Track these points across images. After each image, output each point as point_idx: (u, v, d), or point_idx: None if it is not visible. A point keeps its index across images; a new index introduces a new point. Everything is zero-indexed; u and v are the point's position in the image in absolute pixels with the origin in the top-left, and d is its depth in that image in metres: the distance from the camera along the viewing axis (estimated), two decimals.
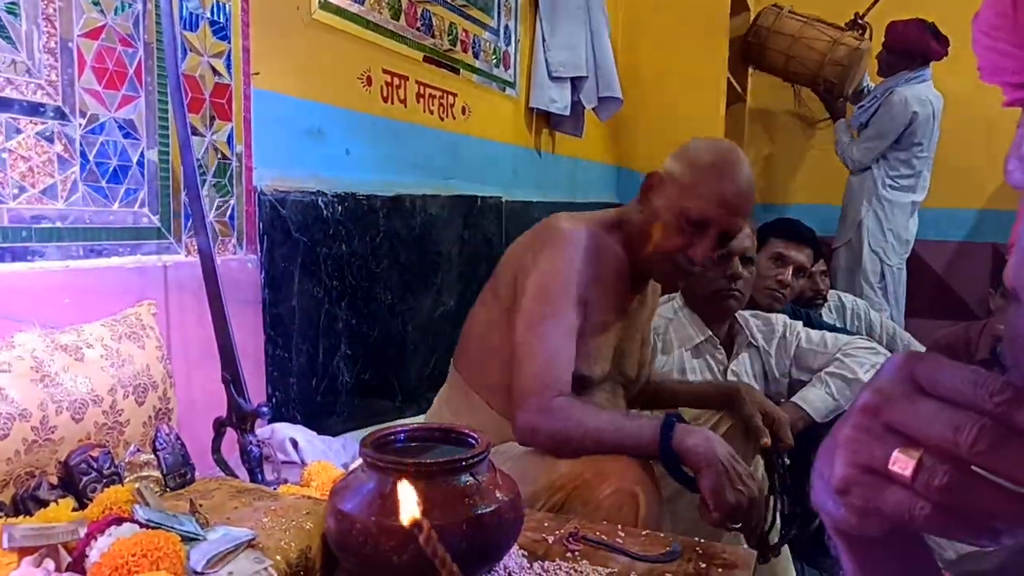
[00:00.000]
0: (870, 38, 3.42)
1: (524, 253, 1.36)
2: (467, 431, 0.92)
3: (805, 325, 1.99)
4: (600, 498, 1.13)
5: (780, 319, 1.94)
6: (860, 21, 3.48)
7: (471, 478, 0.84)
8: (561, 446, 1.21)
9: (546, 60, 2.74)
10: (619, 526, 1.07)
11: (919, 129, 3.23)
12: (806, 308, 2.46)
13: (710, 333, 1.82)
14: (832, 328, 2.22)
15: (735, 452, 1.18)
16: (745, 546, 1.20)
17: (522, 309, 1.29)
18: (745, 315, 1.92)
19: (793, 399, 1.80)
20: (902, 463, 0.33)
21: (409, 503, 0.35)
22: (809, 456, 1.45)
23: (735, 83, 3.56)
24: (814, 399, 1.77)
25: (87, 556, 0.77)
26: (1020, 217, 0.38)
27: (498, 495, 0.85)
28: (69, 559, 0.78)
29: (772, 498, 1.44)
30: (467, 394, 1.40)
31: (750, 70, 3.91)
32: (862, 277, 3.31)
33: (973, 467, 0.32)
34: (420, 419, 1.70)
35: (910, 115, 3.21)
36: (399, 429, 0.94)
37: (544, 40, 2.75)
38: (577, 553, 0.97)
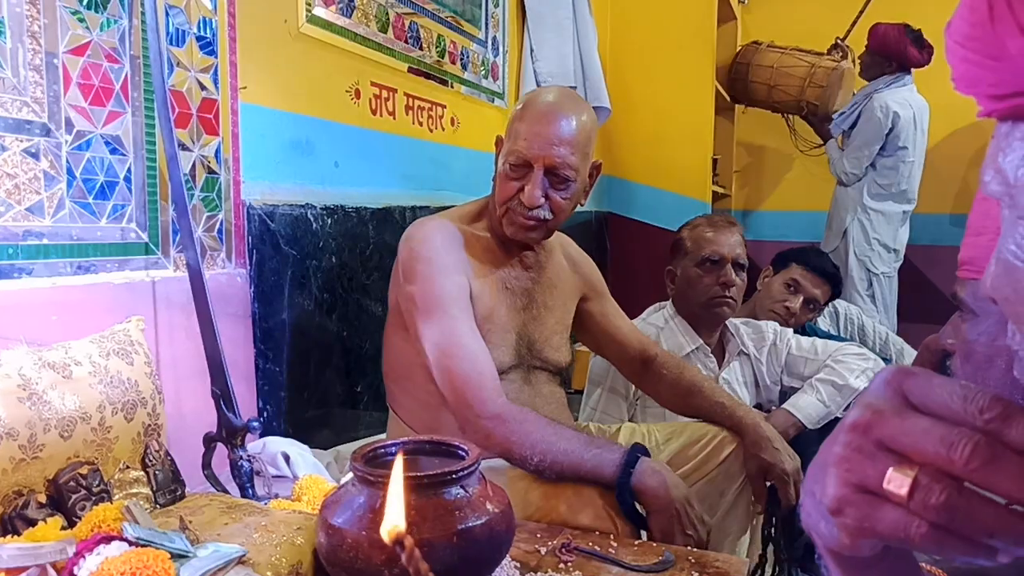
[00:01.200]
0: (852, 61, 3.46)
1: (395, 270, 1.35)
2: (458, 443, 0.92)
3: (797, 332, 1.99)
4: (579, 524, 1.13)
5: (771, 327, 1.95)
6: (841, 44, 3.52)
7: (461, 491, 0.84)
8: (515, 461, 1.18)
9: (534, 70, 2.76)
10: (611, 536, 1.07)
11: (902, 132, 3.23)
12: None
13: (701, 342, 1.83)
14: (826, 335, 2.23)
15: (695, 494, 1.19)
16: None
17: (417, 327, 1.26)
18: (736, 323, 1.92)
19: (784, 406, 1.80)
20: (897, 482, 0.32)
21: (392, 517, 0.34)
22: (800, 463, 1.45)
23: (722, 91, 3.58)
24: (805, 405, 1.77)
25: (75, 575, 0.76)
26: (976, 228, 0.38)
27: (489, 507, 0.85)
28: None
29: (764, 548, 1.44)
30: (392, 417, 1.40)
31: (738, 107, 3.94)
32: (850, 285, 3.32)
33: (968, 484, 0.31)
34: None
35: (891, 117, 3.21)
36: (389, 442, 0.94)
37: (532, 51, 2.76)
38: (570, 564, 0.97)
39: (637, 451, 1.17)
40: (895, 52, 3.22)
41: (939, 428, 0.32)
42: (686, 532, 1.13)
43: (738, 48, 3.78)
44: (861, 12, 3.38)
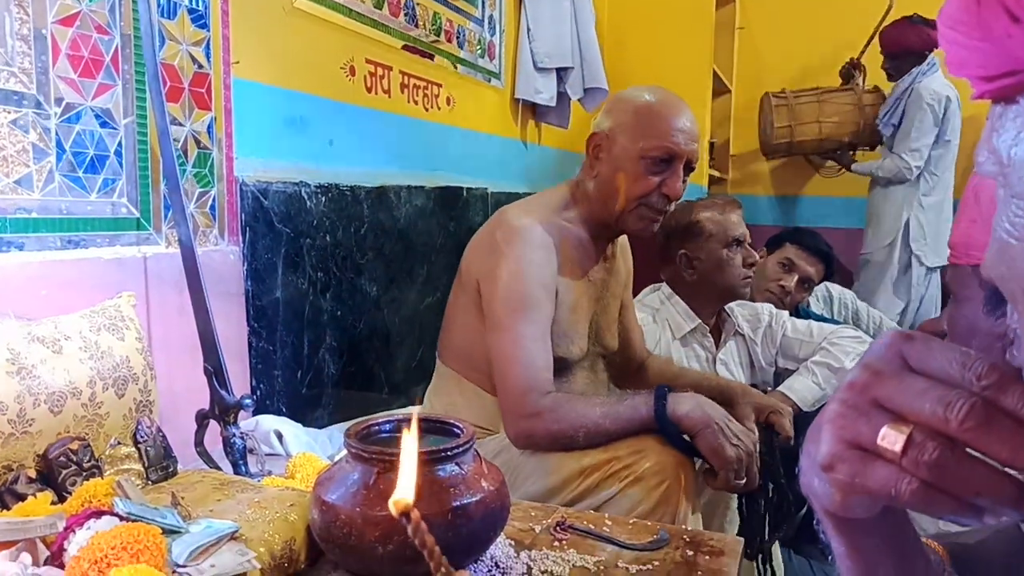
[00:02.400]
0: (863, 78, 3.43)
1: (484, 257, 1.35)
2: (452, 421, 0.92)
3: (792, 315, 2.00)
4: (641, 472, 1.16)
5: (766, 308, 1.95)
6: (856, 63, 3.47)
7: (456, 468, 0.84)
8: (563, 447, 1.23)
9: (531, 51, 2.73)
10: (606, 515, 1.07)
11: (952, 118, 3.14)
12: None
13: (700, 321, 1.83)
14: (820, 318, 2.23)
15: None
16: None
17: (492, 317, 1.29)
18: (731, 304, 1.92)
19: (779, 388, 1.81)
20: (891, 438, 0.33)
21: (402, 489, 0.34)
22: (796, 444, 1.47)
23: (720, 74, 3.56)
24: (800, 388, 1.77)
25: (65, 550, 0.75)
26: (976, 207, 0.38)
27: (484, 485, 0.84)
28: (47, 553, 0.77)
29: (765, 492, 1.45)
30: (459, 382, 1.40)
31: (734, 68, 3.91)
32: (904, 284, 3.24)
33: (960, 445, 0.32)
34: (407, 411, 1.69)
35: (943, 102, 3.11)
36: (384, 420, 0.93)
37: (529, 30, 2.73)
38: (564, 542, 0.97)
39: (662, 388, 1.24)
40: (917, 44, 3.15)
41: (937, 389, 0.33)
42: (732, 443, 1.19)
43: (737, 26, 3.74)
44: (877, 29, 3.33)
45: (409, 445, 0.38)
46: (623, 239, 1.54)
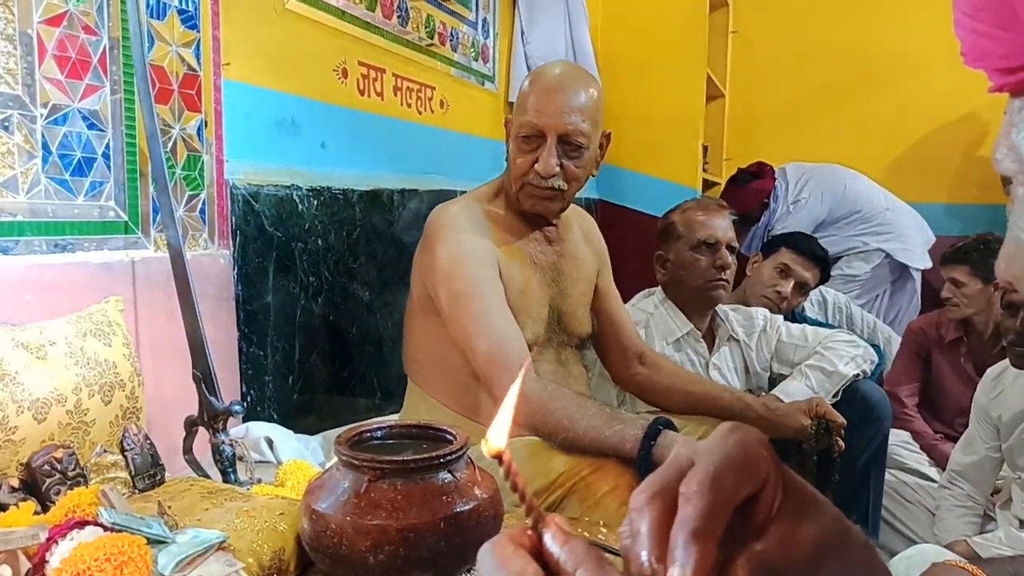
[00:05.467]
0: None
1: (421, 258, 1.34)
2: (444, 428, 0.90)
3: (786, 319, 1.99)
4: (599, 495, 1.12)
5: (760, 313, 1.94)
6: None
7: (449, 475, 0.82)
8: (541, 435, 1.21)
9: (525, 54, 2.72)
10: (601, 523, 1.05)
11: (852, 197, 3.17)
12: None
13: (692, 326, 1.82)
14: (815, 322, 2.23)
15: None
16: None
17: (447, 308, 1.27)
18: (725, 309, 1.91)
19: (774, 391, 1.80)
20: None
21: (495, 434, 0.34)
22: (785, 446, 1.45)
23: (714, 79, 3.56)
24: (794, 392, 1.76)
25: (47, 561, 0.73)
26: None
27: (477, 492, 0.83)
28: (29, 565, 0.75)
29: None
30: (424, 398, 1.39)
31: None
32: None
33: None
34: (399, 417, 1.67)
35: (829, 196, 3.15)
36: (375, 427, 0.91)
37: (523, 33, 2.72)
38: None
39: (660, 424, 1.16)
40: (756, 199, 3.17)
41: None
42: None
43: (731, 30, 3.73)
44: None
45: (514, 390, 0.37)
46: (575, 220, 1.52)
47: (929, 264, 3.18)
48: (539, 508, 0.33)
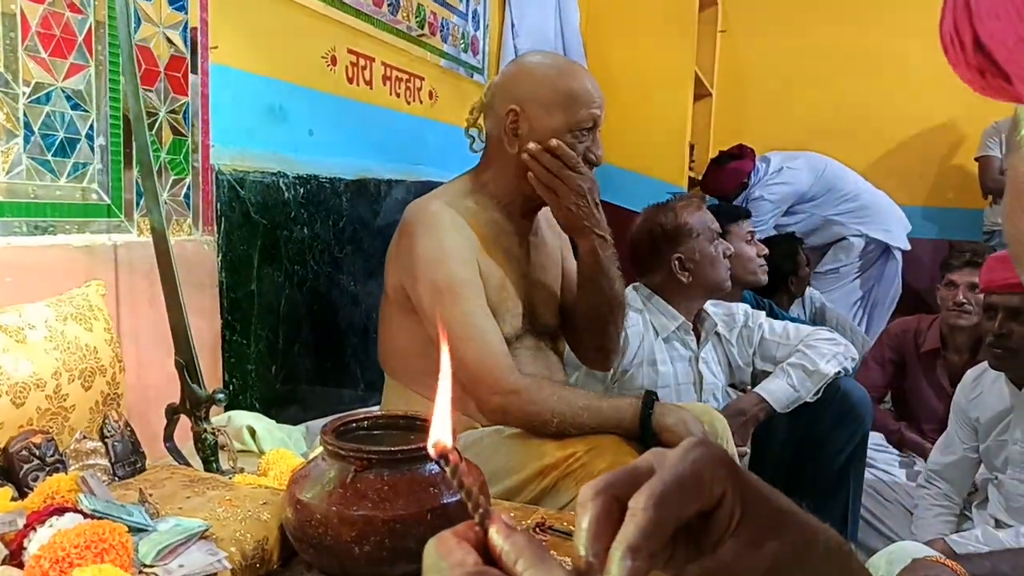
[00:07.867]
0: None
1: (399, 256, 1.33)
2: (431, 419, 0.89)
3: (770, 315, 2.00)
4: (596, 473, 1.12)
5: (741, 308, 1.96)
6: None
7: (436, 467, 0.81)
8: (536, 428, 1.22)
9: (515, 46, 2.71)
10: None
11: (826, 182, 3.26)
12: (768, 298, 2.49)
13: (683, 319, 1.82)
14: (795, 320, 2.25)
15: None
16: None
17: (428, 308, 1.27)
18: (708, 304, 1.92)
19: (756, 389, 1.82)
20: None
21: (438, 432, 0.36)
22: (766, 442, 1.47)
23: (702, 77, 3.56)
24: (775, 389, 1.79)
25: (25, 548, 0.72)
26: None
27: (464, 484, 0.82)
28: (6, 552, 0.74)
29: None
30: (403, 391, 1.39)
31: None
32: None
33: None
34: (380, 410, 1.66)
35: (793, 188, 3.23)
36: (361, 416, 0.90)
37: (513, 26, 2.71)
38: (544, 543, 0.95)
39: (651, 396, 1.23)
40: (734, 183, 3.25)
41: None
42: None
43: (720, 29, 3.76)
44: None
45: (444, 385, 0.38)
46: (545, 212, 1.50)
47: (908, 246, 3.24)
48: (486, 505, 0.34)
